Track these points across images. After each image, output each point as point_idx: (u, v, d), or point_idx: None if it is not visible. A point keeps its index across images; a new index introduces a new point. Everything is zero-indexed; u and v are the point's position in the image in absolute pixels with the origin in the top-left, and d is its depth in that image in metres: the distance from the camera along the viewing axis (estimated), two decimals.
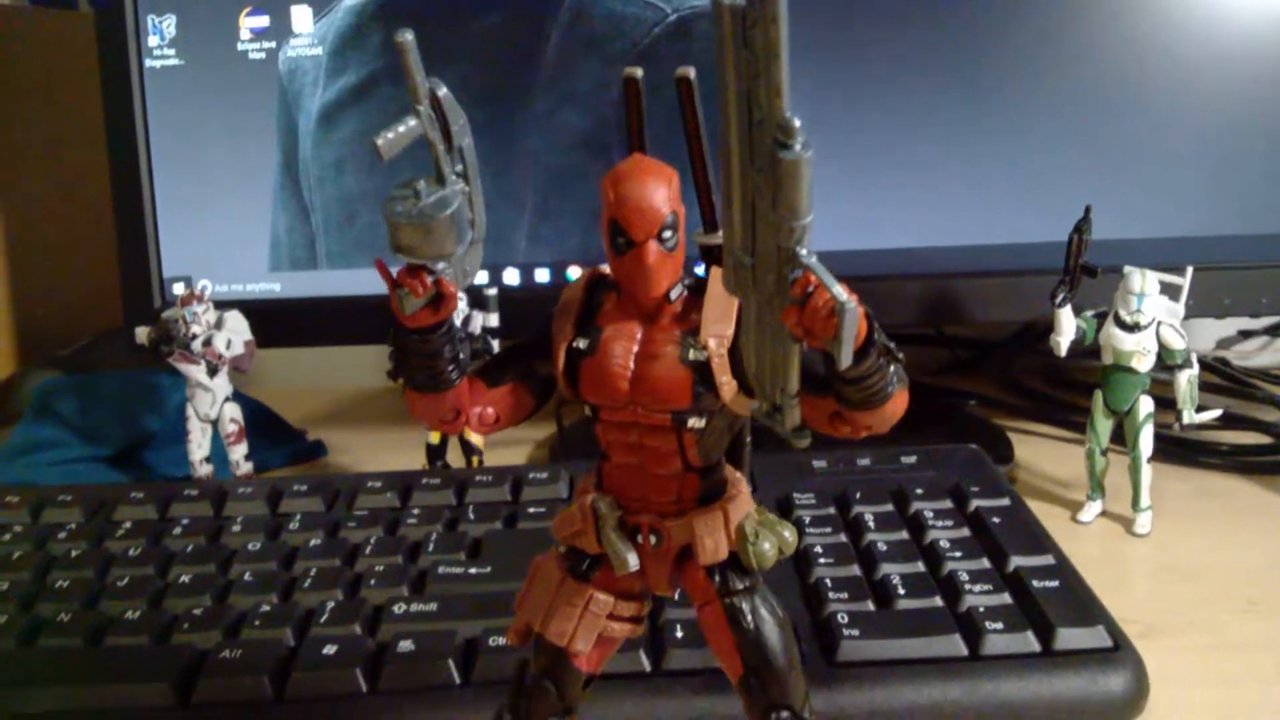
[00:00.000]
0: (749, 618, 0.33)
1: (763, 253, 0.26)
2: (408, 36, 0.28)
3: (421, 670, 0.46)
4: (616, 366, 0.31)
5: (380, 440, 0.81)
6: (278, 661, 0.46)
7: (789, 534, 0.34)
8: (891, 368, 0.28)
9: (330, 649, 0.47)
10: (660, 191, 0.30)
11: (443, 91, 0.29)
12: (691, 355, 0.31)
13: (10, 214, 0.85)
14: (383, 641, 0.48)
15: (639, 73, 0.32)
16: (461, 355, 0.33)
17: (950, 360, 0.89)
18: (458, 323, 0.65)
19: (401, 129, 0.28)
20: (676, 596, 0.48)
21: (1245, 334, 0.90)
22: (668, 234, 0.30)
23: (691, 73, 0.32)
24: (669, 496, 0.33)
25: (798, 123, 0.24)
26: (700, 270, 0.33)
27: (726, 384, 0.31)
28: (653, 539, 0.33)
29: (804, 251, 0.25)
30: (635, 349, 0.32)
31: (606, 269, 0.33)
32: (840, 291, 0.25)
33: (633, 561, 0.33)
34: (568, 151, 0.70)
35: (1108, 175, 0.69)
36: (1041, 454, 0.74)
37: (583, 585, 0.34)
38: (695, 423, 0.32)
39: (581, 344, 0.32)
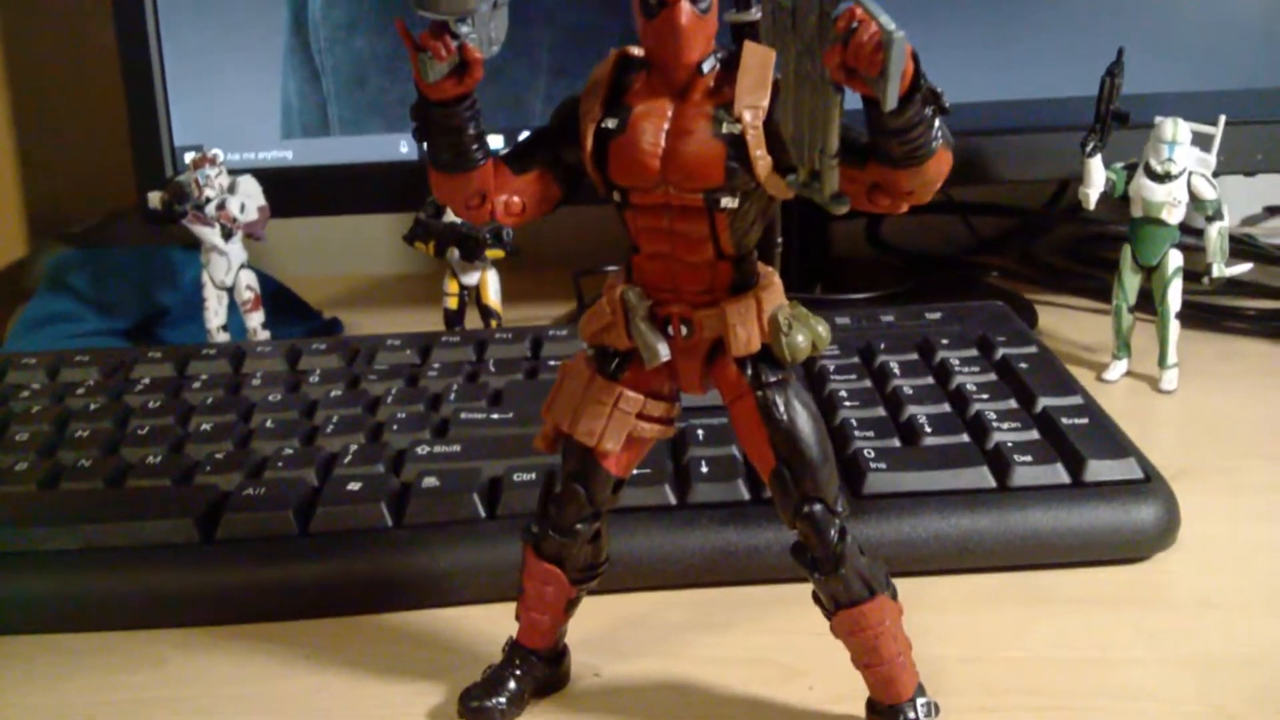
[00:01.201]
0: (782, 409, 0.32)
1: None
2: None
3: (446, 504, 0.45)
4: (647, 144, 0.30)
5: (397, 318, 0.80)
6: (302, 498, 0.46)
7: (822, 328, 0.33)
8: (936, 119, 0.27)
9: (354, 486, 0.46)
10: None
11: None
12: (725, 129, 0.30)
13: (20, 91, 0.83)
14: (406, 480, 0.47)
15: None
16: (485, 134, 0.32)
17: (971, 238, 0.87)
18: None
19: None
20: (701, 434, 0.48)
21: (1271, 210, 0.88)
22: None
23: None
24: (700, 285, 0.32)
25: None
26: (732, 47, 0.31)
27: (761, 158, 0.30)
28: (684, 330, 0.33)
29: None
30: (666, 126, 0.30)
31: (634, 49, 0.32)
32: (888, 21, 0.24)
33: (664, 352, 0.33)
34: (583, 8, 0.69)
35: (1139, 28, 0.67)
36: (1066, 322, 0.73)
37: (612, 383, 0.34)
38: (728, 202, 0.31)
39: (610, 123, 0.31)
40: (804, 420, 0.32)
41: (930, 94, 0.27)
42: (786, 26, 0.26)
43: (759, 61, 0.29)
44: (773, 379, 0.33)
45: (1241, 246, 0.80)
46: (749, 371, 0.33)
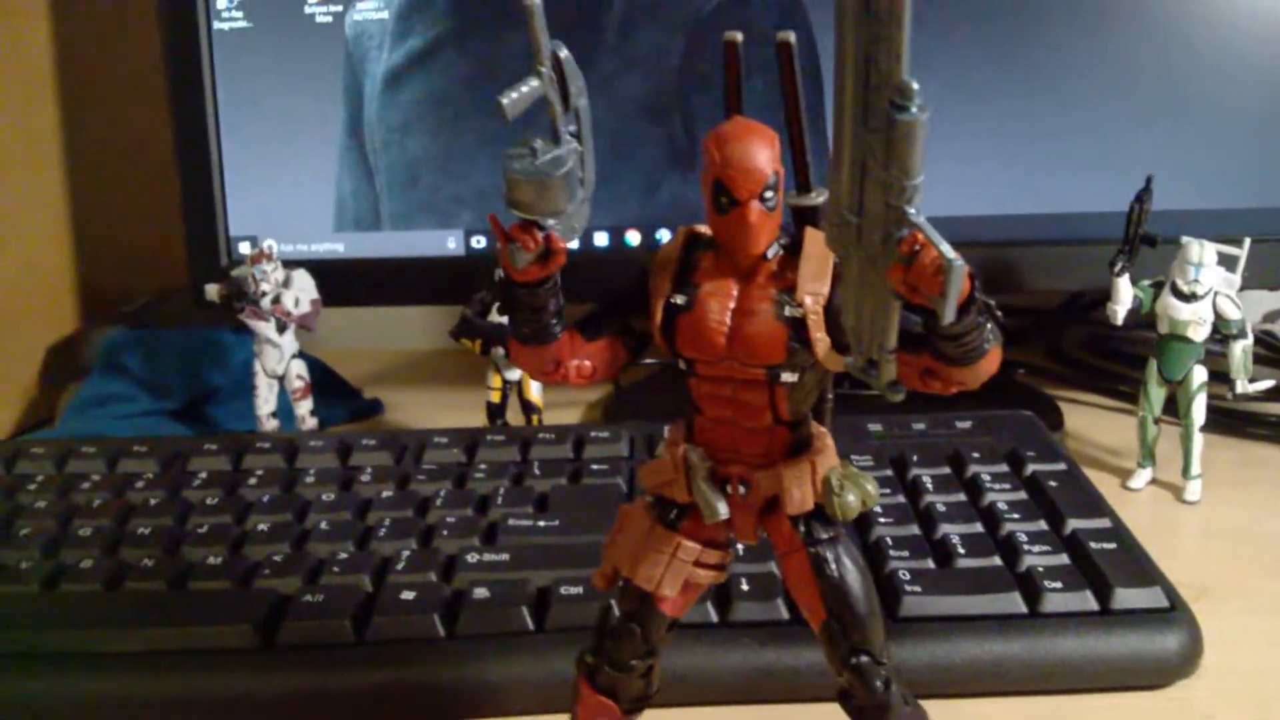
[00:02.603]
0: (833, 566, 0.34)
1: (870, 211, 0.27)
2: (536, 1, 0.29)
3: (497, 616, 0.47)
4: (714, 322, 0.33)
5: (436, 400, 0.82)
6: (358, 606, 0.48)
7: (872, 487, 0.35)
8: (989, 325, 0.30)
9: (408, 594, 0.48)
10: (764, 153, 0.31)
11: (564, 53, 0.30)
12: (788, 312, 0.32)
13: (75, 170, 0.86)
14: (458, 589, 0.49)
15: (739, 37, 0.33)
16: (563, 310, 0.34)
17: (1003, 331, 0.89)
18: None
19: (525, 89, 0.29)
20: (742, 550, 0.50)
21: None
22: (769, 194, 0.31)
23: (792, 37, 0.33)
24: (759, 448, 0.35)
25: (916, 85, 0.25)
26: (793, 230, 0.34)
27: (821, 340, 0.32)
28: (741, 489, 0.35)
29: (913, 211, 0.26)
30: (732, 305, 0.33)
31: (702, 228, 0.34)
32: (948, 250, 0.26)
33: (723, 510, 0.35)
34: (628, 117, 0.71)
35: (1166, 145, 0.69)
36: (1090, 423, 0.75)
37: (671, 533, 0.36)
38: (789, 377, 0.33)
39: (680, 300, 0.33)
40: (853, 577, 0.34)
41: (983, 306, 0.29)
42: (851, 238, 0.28)
43: (820, 250, 0.32)
44: (825, 536, 0.35)
45: (1263, 345, 0.82)
46: (802, 528, 0.35)
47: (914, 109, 0.25)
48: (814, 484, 0.34)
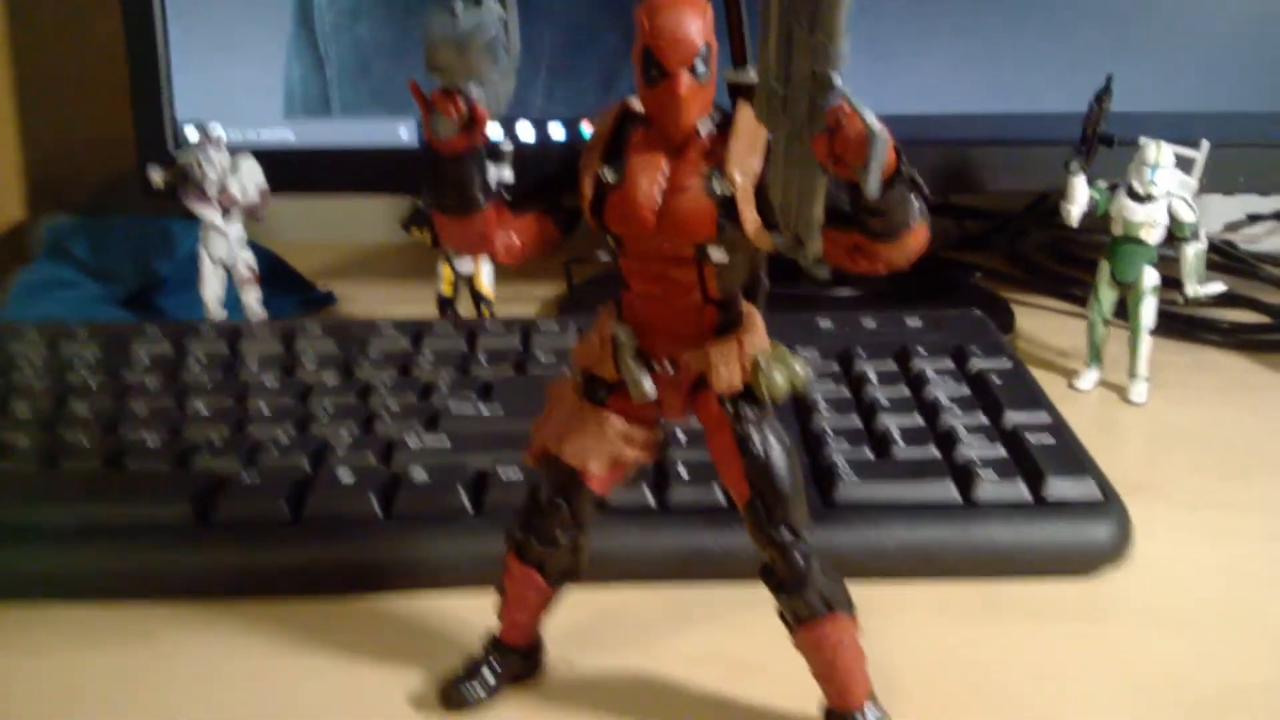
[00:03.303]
0: (758, 444, 0.34)
1: (796, 80, 0.27)
2: None
3: (435, 498, 0.47)
4: (643, 198, 0.32)
5: (390, 293, 0.82)
6: (295, 486, 0.48)
7: (801, 368, 0.35)
8: (915, 199, 0.29)
9: (346, 476, 0.48)
10: (695, 23, 0.30)
11: None
12: (717, 188, 0.31)
13: (21, 58, 0.84)
14: (397, 471, 0.49)
15: None
16: (490, 182, 0.33)
17: (958, 234, 0.89)
18: None
19: None
20: (683, 439, 0.50)
21: (1253, 218, 0.90)
22: (700, 65, 0.31)
23: None
24: (687, 327, 0.34)
25: None
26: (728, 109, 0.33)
27: (750, 218, 0.31)
28: (669, 367, 0.35)
29: (837, 79, 0.26)
30: (662, 181, 0.32)
31: (634, 103, 0.33)
32: (872, 119, 0.26)
33: (649, 388, 0.34)
34: (583, 7, 0.70)
35: (1128, 46, 0.68)
36: (1043, 326, 0.75)
37: (599, 410, 0.36)
38: (718, 255, 0.32)
39: (609, 175, 0.33)
40: (778, 455, 0.34)
41: (909, 180, 0.28)
42: (778, 109, 0.27)
43: (751, 126, 0.31)
44: (751, 415, 0.34)
45: (1220, 254, 0.82)
46: (729, 407, 0.34)
47: None
48: (741, 363, 0.34)
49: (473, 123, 0.32)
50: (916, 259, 0.31)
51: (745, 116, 0.32)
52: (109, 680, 0.42)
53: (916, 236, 0.30)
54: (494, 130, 0.71)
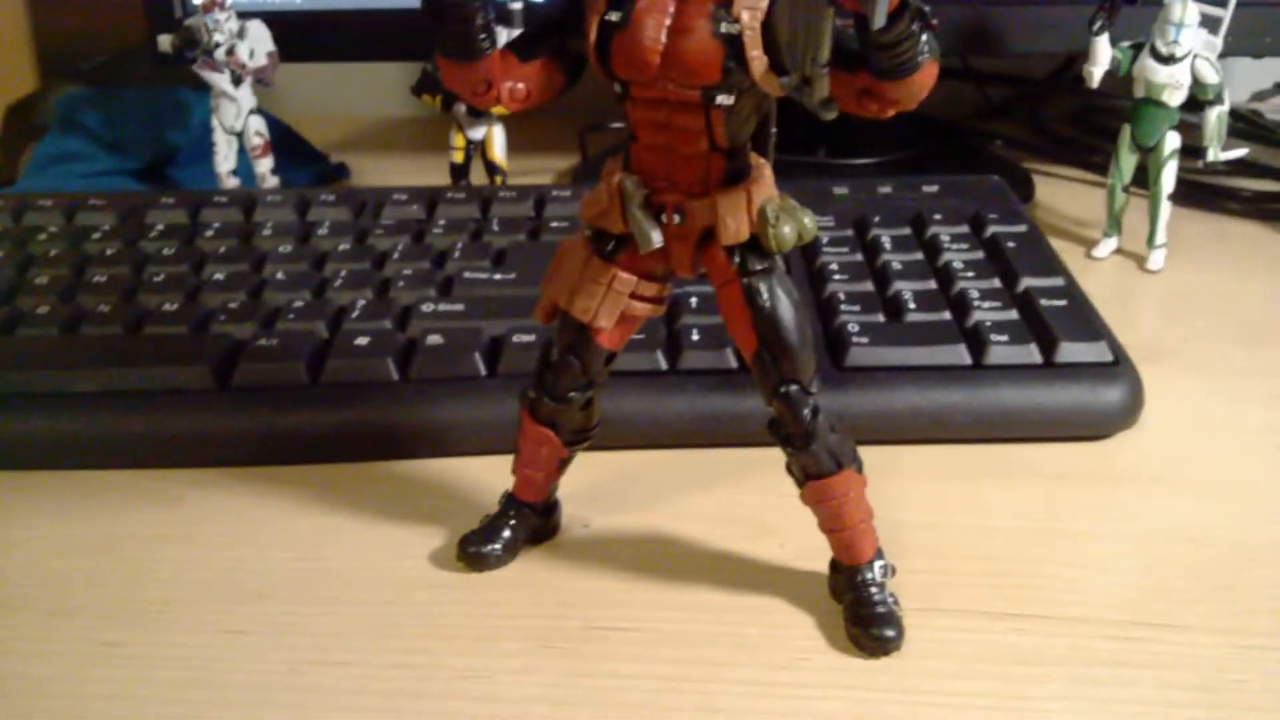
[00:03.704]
0: (765, 296, 0.34)
1: None
2: None
3: (449, 361, 0.48)
4: (648, 40, 0.31)
5: (403, 165, 0.81)
6: (312, 351, 0.48)
7: (809, 220, 0.34)
8: (924, 35, 0.28)
9: (362, 341, 0.49)
10: None
11: None
12: (724, 29, 0.31)
13: None
14: (412, 337, 0.50)
15: None
16: (494, 24, 0.33)
17: (980, 103, 0.87)
18: None
19: None
20: (694, 302, 0.50)
21: None
22: None
23: None
24: (694, 176, 0.34)
25: None
26: None
27: (757, 59, 0.31)
28: (676, 218, 0.34)
29: None
30: (668, 22, 0.31)
31: None
32: None
33: (656, 238, 0.34)
34: None
35: None
36: (1062, 195, 0.74)
37: (607, 264, 0.36)
38: (724, 99, 0.32)
39: (614, 17, 0.32)
40: (785, 307, 0.34)
41: (918, 12, 0.28)
42: None
43: None
44: (759, 267, 0.34)
45: (1245, 123, 0.81)
46: (737, 259, 0.34)
47: None
48: (749, 214, 0.34)
49: None
50: (923, 96, 0.31)
51: None
52: (139, 543, 0.43)
53: (925, 74, 0.30)
54: None
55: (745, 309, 0.34)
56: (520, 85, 0.34)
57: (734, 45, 0.31)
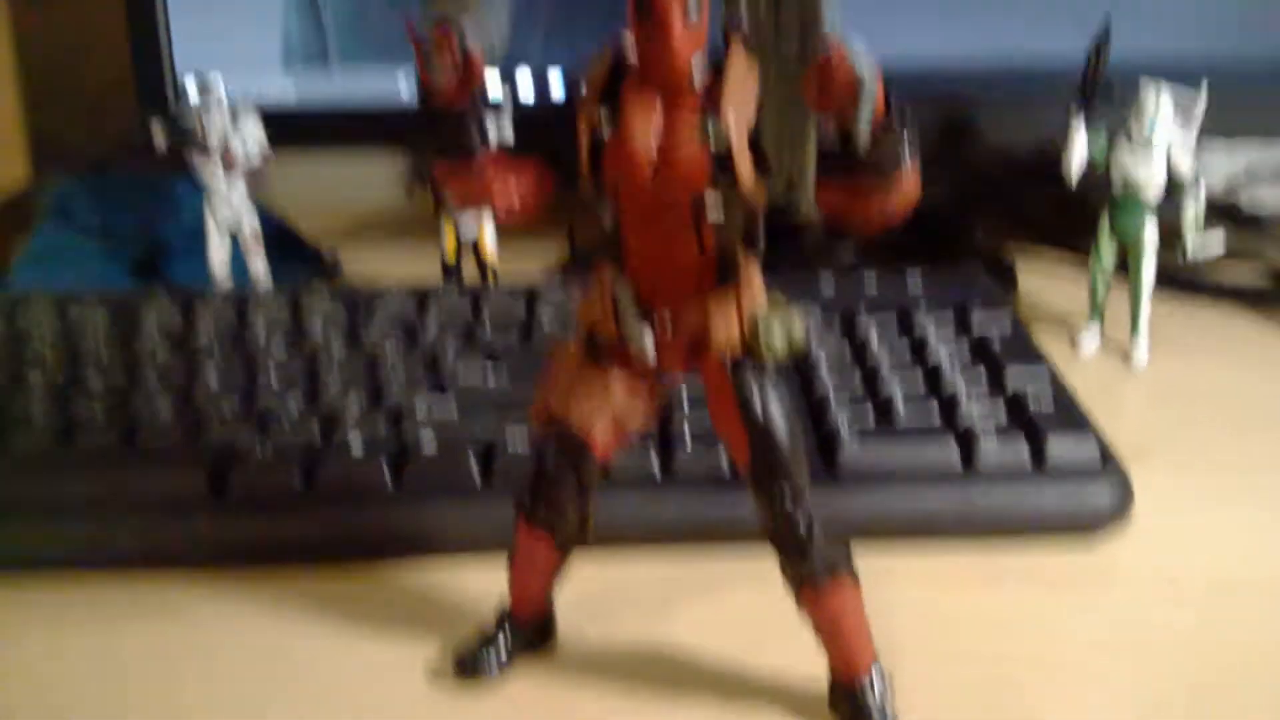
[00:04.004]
0: (758, 406, 0.35)
1: (785, 20, 0.27)
2: None
3: (444, 469, 0.48)
4: (638, 148, 0.32)
5: (394, 257, 0.82)
6: (306, 456, 0.49)
7: (800, 325, 0.35)
8: (906, 138, 0.29)
9: (357, 445, 0.49)
10: None
11: None
12: (711, 136, 0.32)
13: (23, 19, 0.84)
14: (406, 442, 0.50)
15: None
16: (489, 131, 0.33)
17: (960, 189, 0.89)
18: None
19: None
20: (686, 405, 0.50)
21: (1254, 173, 0.90)
22: (692, 8, 0.31)
23: None
24: (685, 281, 0.34)
25: None
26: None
27: (744, 165, 0.32)
28: (669, 324, 0.35)
29: (826, 20, 0.26)
30: (657, 129, 0.32)
31: (627, 50, 0.33)
32: (862, 63, 0.26)
33: (649, 345, 0.35)
34: None
35: None
36: (1046, 281, 0.75)
37: (602, 371, 0.36)
38: (713, 205, 0.33)
39: (604, 125, 0.33)
40: (778, 414, 0.35)
41: (900, 118, 0.29)
42: (770, 53, 0.28)
43: (743, 73, 0.31)
44: (752, 376, 0.35)
45: (1223, 210, 0.82)
46: (729, 368, 0.35)
47: None
48: (741, 320, 0.34)
49: (469, 71, 0.32)
50: (910, 206, 0.32)
51: (737, 62, 0.32)
52: (133, 654, 0.43)
53: (908, 181, 0.31)
54: (493, 89, 0.70)
55: (737, 416, 0.35)
56: (514, 190, 0.35)
57: (722, 152, 0.32)
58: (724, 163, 0.32)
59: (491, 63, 0.33)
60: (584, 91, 0.33)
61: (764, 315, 0.34)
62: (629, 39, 0.32)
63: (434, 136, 0.34)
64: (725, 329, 0.34)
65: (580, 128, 0.33)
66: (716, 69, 0.32)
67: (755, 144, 0.31)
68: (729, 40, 0.33)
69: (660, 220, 0.33)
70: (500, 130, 0.66)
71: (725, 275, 0.35)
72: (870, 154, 0.29)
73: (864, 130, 0.27)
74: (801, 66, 0.27)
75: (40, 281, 0.71)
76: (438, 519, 0.47)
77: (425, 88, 0.32)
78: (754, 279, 0.35)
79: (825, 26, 0.26)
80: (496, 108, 0.65)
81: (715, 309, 0.34)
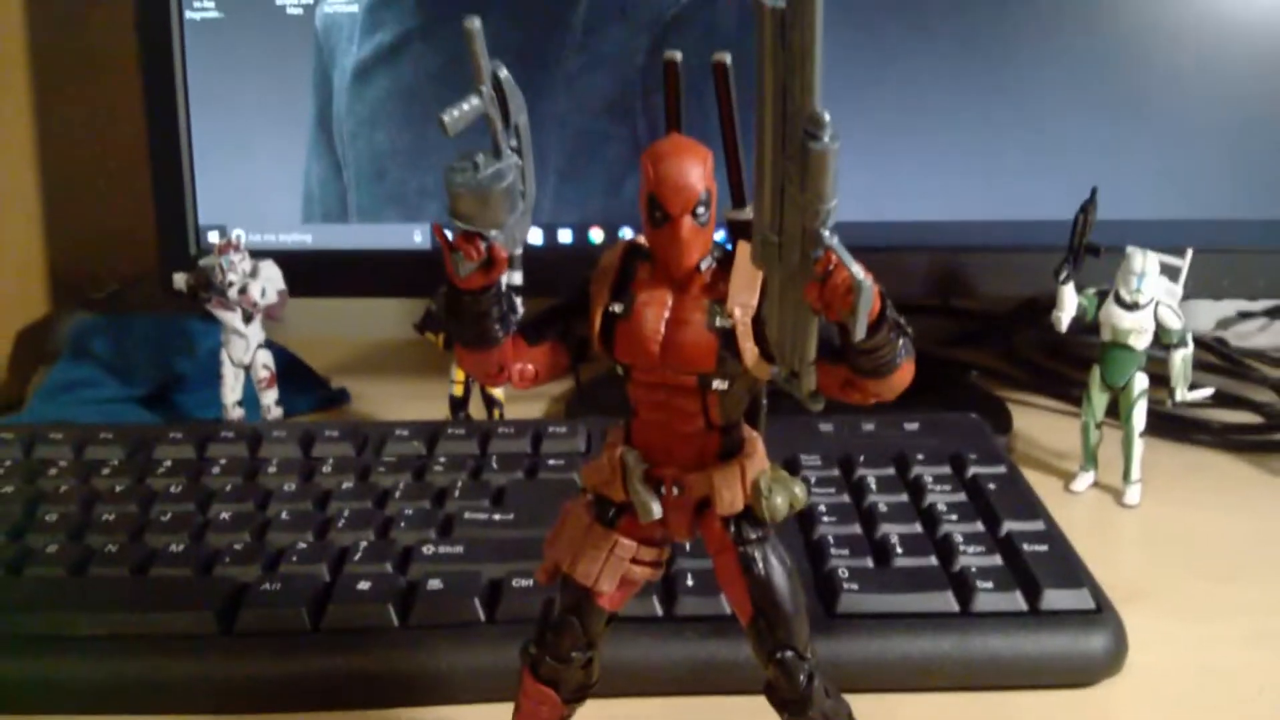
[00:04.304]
0: (760, 565, 0.36)
1: (789, 232, 0.29)
2: (475, 23, 0.30)
3: (449, 607, 0.49)
4: (649, 331, 0.34)
5: (402, 390, 0.84)
6: (314, 595, 0.49)
7: (800, 490, 0.36)
8: (900, 341, 0.31)
9: (364, 585, 0.50)
10: (696, 170, 0.33)
11: (504, 73, 0.31)
12: (718, 322, 0.34)
13: (46, 154, 0.87)
14: (412, 580, 0.51)
15: (678, 56, 0.34)
16: (508, 314, 0.35)
17: (954, 332, 0.91)
18: None
19: (465, 107, 0.31)
20: (689, 547, 0.51)
21: (1244, 315, 0.92)
22: (701, 210, 0.33)
23: (728, 58, 0.34)
24: (692, 452, 0.36)
25: (827, 116, 0.26)
26: (728, 245, 0.35)
27: (749, 350, 0.33)
28: (675, 490, 0.36)
29: (827, 233, 0.28)
30: (666, 315, 0.34)
31: (641, 239, 0.35)
32: (858, 271, 0.28)
33: (656, 510, 0.36)
34: (593, 115, 0.73)
35: (1115, 154, 0.71)
36: (1039, 425, 0.77)
37: (609, 531, 0.37)
38: (719, 385, 0.34)
39: (617, 308, 0.35)
40: (780, 576, 0.36)
41: (895, 324, 0.31)
42: (773, 257, 0.30)
43: (749, 264, 0.33)
44: (753, 536, 0.36)
45: (1213, 353, 0.84)
46: (732, 529, 0.36)
47: (826, 138, 0.26)
48: (744, 486, 0.36)
49: (492, 262, 0.34)
50: (901, 392, 0.33)
51: (744, 254, 0.34)
52: None
53: (902, 374, 0.33)
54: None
55: (741, 577, 0.36)
56: (530, 367, 0.36)
57: (728, 338, 0.34)
58: (729, 345, 0.34)
59: (512, 253, 0.34)
60: (597, 274, 0.36)
61: (766, 479, 0.36)
62: (645, 234, 0.34)
63: (456, 322, 0.35)
64: (729, 494, 0.36)
65: (594, 309, 0.35)
66: (724, 257, 0.35)
67: (759, 332, 0.33)
68: (734, 232, 0.35)
69: (669, 396, 0.35)
70: (511, 276, 0.68)
71: (730, 445, 0.36)
72: (867, 350, 0.31)
73: (861, 330, 0.29)
74: (803, 272, 0.29)
75: (57, 414, 0.73)
76: (443, 659, 0.47)
77: (450, 279, 0.34)
78: (757, 447, 0.37)
79: (825, 240, 0.28)
80: (515, 290, 0.68)
81: (719, 476, 0.36)
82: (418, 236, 0.75)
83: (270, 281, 0.69)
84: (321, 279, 0.75)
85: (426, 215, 0.75)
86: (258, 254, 0.70)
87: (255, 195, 0.76)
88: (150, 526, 0.55)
